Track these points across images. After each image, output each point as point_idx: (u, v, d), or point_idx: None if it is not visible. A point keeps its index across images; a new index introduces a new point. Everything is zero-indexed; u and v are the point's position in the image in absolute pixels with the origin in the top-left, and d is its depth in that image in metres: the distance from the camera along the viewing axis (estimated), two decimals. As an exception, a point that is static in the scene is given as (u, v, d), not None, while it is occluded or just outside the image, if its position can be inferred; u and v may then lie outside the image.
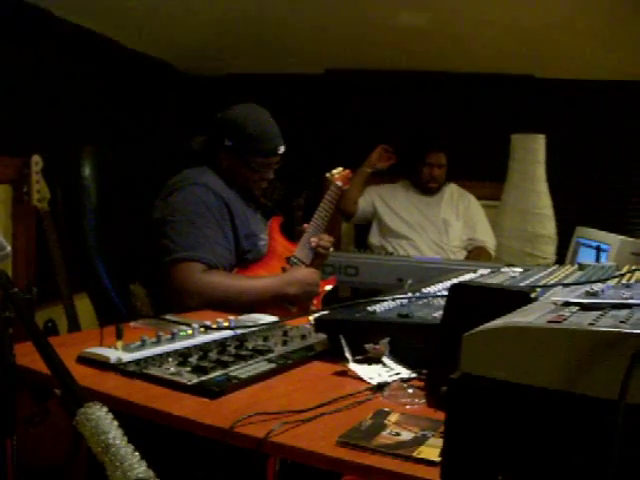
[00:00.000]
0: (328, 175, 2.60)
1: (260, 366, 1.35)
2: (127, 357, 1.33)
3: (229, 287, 2.12)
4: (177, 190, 2.21)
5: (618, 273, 1.66)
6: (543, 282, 1.61)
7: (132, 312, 2.18)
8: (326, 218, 2.50)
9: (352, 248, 4.28)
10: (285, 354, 1.45)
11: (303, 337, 1.59)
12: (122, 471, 0.75)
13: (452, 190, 4.06)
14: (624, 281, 1.40)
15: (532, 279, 1.70)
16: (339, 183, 2.57)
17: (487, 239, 3.93)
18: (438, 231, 3.90)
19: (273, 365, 1.37)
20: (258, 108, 2.37)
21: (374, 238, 4.03)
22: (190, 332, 1.53)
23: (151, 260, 2.16)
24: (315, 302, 2.41)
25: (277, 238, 2.41)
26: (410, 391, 1.22)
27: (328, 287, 2.54)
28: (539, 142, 4.03)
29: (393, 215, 3.96)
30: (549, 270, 1.95)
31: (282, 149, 2.36)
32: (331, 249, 2.56)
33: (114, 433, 0.80)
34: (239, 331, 1.61)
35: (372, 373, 1.32)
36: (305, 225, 2.51)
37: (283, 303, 2.26)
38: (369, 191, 4.07)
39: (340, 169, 2.62)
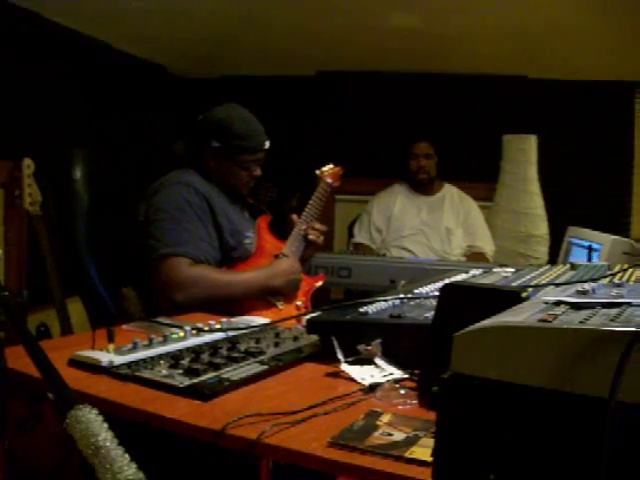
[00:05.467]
0: (318, 172, 2.59)
1: (252, 368, 1.34)
2: (119, 360, 1.32)
3: (216, 280, 2.13)
4: (159, 191, 2.22)
5: (609, 272, 1.66)
6: (535, 282, 1.61)
7: (124, 315, 2.18)
8: (316, 215, 2.49)
9: (345, 249, 4.28)
10: (277, 356, 1.45)
11: (295, 339, 1.59)
12: (112, 473, 0.75)
13: (452, 193, 4.00)
14: (615, 280, 1.41)
15: (524, 279, 1.71)
16: (329, 180, 2.56)
17: (486, 246, 3.91)
18: (441, 240, 3.86)
19: (265, 367, 1.36)
20: (239, 107, 2.39)
21: (361, 236, 4.01)
22: (182, 334, 1.53)
23: (138, 261, 2.17)
24: (304, 299, 2.42)
25: (265, 237, 2.41)
26: (402, 392, 1.22)
27: (318, 284, 2.54)
28: (531, 143, 4.04)
29: (394, 225, 3.92)
30: (541, 270, 1.96)
31: (267, 144, 2.38)
32: (321, 237, 2.53)
33: (104, 435, 0.80)
34: (231, 333, 1.61)
35: (364, 374, 1.32)
36: (294, 216, 2.50)
37: (269, 296, 2.28)
38: (366, 216, 4.04)
39: (331, 166, 2.62)
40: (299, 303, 2.37)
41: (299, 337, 1.60)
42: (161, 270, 2.08)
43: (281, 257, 2.36)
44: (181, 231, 2.13)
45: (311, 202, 2.50)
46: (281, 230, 2.49)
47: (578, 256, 2.83)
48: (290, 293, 2.36)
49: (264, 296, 2.26)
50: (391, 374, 1.32)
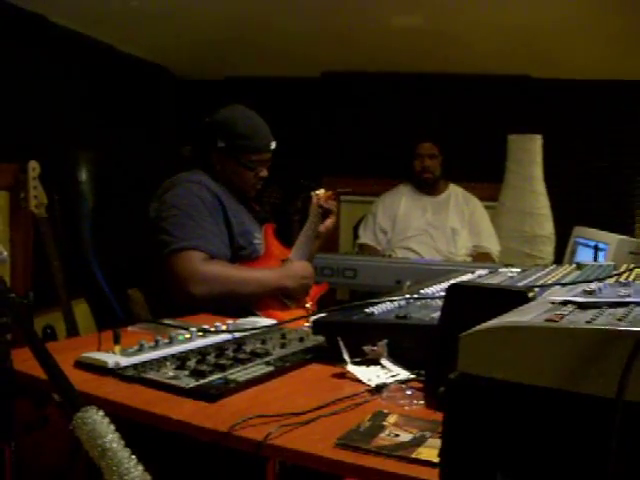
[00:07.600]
0: (313, 194, 2.57)
1: (258, 369, 1.34)
2: (125, 361, 1.33)
3: (231, 276, 2.13)
4: (170, 189, 2.22)
5: (616, 272, 1.66)
6: (541, 282, 1.61)
7: (130, 317, 2.18)
8: (315, 229, 2.49)
9: (350, 250, 4.28)
10: (283, 357, 1.45)
11: (301, 340, 1.59)
12: (118, 475, 0.75)
13: (457, 193, 4.00)
14: (622, 280, 1.40)
15: (530, 279, 1.70)
16: (322, 203, 2.54)
17: (492, 245, 3.89)
18: (446, 240, 3.85)
19: (271, 368, 1.36)
20: (245, 108, 2.39)
21: (366, 237, 4.00)
22: (188, 336, 1.53)
23: (149, 260, 2.16)
24: (310, 302, 2.42)
25: (273, 242, 2.42)
26: (409, 392, 1.22)
27: (323, 291, 2.55)
28: (536, 142, 4.03)
29: (399, 225, 3.92)
30: (547, 270, 1.95)
31: (273, 145, 2.38)
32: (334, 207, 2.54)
33: (110, 437, 0.80)
34: (237, 334, 1.61)
35: (370, 375, 1.32)
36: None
37: (281, 296, 2.29)
38: (371, 217, 4.03)
39: (322, 191, 2.58)
40: (308, 305, 2.37)
41: (305, 338, 1.59)
42: (175, 264, 2.07)
43: (289, 262, 2.37)
44: (194, 226, 2.12)
45: (308, 223, 2.49)
46: (285, 237, 2.50)
47: (584, 256, 2.83)
48: (300, 296, 2.37)
49: (277, 297, 2.27)
50: (397, 375, 1.32)
